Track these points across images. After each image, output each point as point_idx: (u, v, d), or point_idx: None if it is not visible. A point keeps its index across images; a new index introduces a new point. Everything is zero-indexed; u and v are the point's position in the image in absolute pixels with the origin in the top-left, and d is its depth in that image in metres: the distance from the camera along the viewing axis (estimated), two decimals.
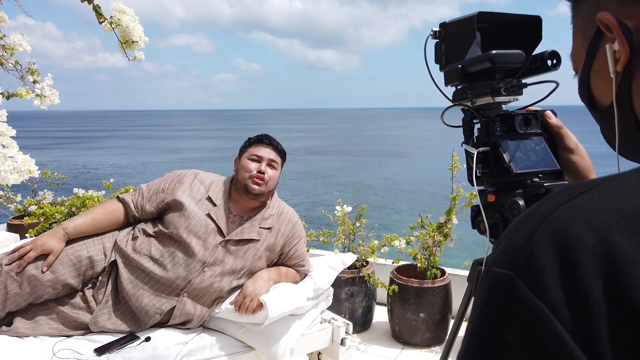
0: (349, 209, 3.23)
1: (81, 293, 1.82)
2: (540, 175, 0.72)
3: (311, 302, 2.01)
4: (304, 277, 2.11)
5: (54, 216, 3.88)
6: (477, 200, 0.71)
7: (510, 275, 0.36)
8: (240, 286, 1.93)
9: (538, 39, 0.74)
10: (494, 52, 0.67)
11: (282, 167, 2.07)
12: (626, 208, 0.35)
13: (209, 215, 1.92)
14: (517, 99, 0.76)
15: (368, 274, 2.98)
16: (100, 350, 1.69)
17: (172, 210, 1.93)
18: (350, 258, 2.26)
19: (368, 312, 3.12)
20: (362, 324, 3.09)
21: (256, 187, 1.93)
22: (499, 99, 0.73)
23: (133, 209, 1.98)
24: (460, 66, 0.71)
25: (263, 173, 1.95)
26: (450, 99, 0.78)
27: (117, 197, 2.02)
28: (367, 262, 3.13)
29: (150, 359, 1.67)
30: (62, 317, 1.78)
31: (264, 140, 2.03)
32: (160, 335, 1.77)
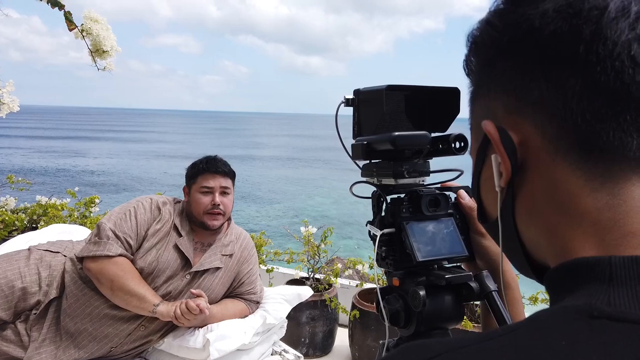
0: (314, 230, 3.17)
1: (12, 325, 1.72)
2: (446, 261, 0.67)
3: (260, 336, 1.95)
4: (256, 309, 2.04)
5: (14, 224, 3.77)
6: (378, 285, 0.66)
7: None
8: None
9: (455, 112, 0.70)
10: (395, 134, 0.62)
11: (234, 185, 1.99)
12: None
13: (176, 247, 1.84)
14: (423, 181, 0.72)
15: (330, 298, 2.93)
16: None
17: (144, 245, 1.81)
18: (306, 292, 2.20)
19: (329, 337, 3.06)
20: (322, 348, 3.04)
21: (215, 222, 1.89)
22: (402, 181, 0.69)
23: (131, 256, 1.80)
24: (365, 142, 0.67)
25: (218, 205, 1.88)
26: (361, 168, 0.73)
27: (117, 256, 1.74)
28: (330, 285, 3.08)
29: None
30: None
31: (210, 169, 1.91)
32: None
